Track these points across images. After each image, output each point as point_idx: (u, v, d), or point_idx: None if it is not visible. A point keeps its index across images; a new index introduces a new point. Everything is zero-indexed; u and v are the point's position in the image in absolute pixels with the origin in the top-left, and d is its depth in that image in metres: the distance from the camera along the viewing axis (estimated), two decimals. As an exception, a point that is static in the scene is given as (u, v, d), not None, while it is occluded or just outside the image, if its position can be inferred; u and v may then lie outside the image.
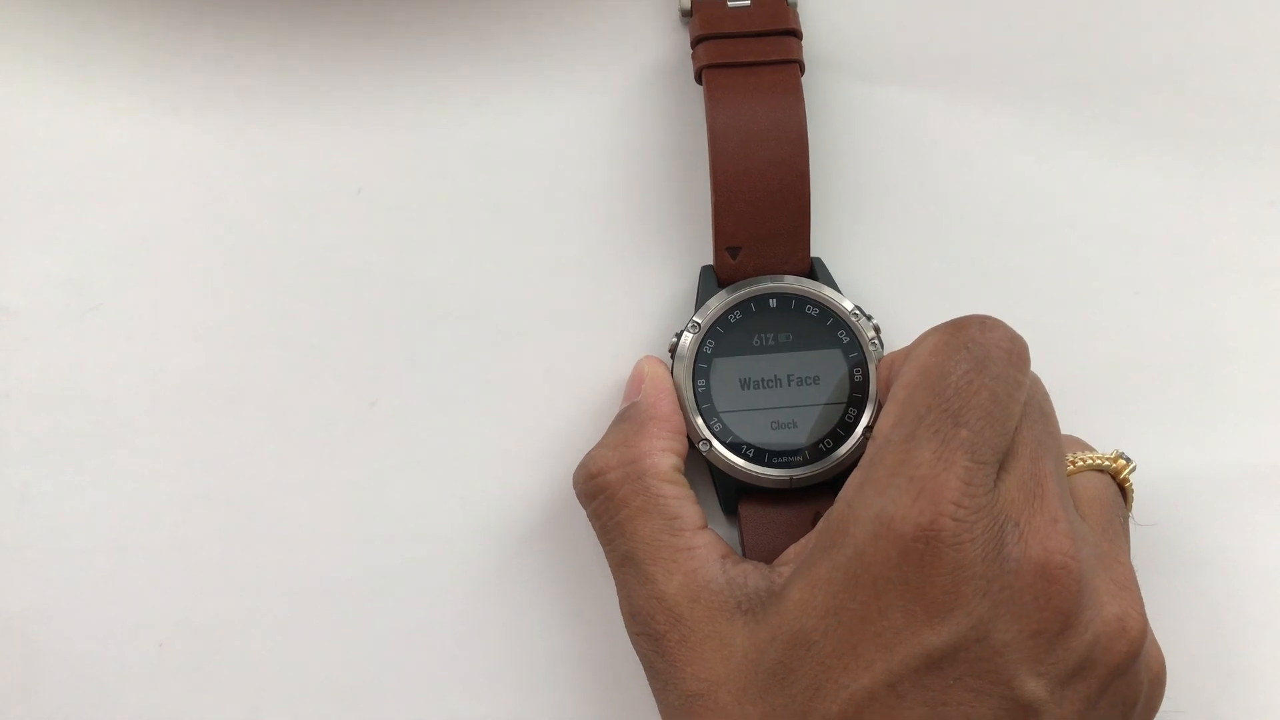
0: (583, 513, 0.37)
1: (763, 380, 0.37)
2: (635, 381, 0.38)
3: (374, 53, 0.42)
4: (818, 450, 0.37)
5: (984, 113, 0.42)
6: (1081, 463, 0.36)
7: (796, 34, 0.39)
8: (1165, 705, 0.34)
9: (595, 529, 0.36)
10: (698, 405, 0.37)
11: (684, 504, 0.35)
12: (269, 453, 0.40)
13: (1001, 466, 0.32)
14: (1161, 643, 0.34)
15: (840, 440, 0.37)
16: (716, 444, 0.37)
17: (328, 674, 0.39)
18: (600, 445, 0.37)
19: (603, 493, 0.36)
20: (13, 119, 0.41)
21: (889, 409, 0.33)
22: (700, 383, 0.37)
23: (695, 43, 0.39)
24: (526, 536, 0.40)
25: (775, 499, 0.37)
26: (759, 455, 0.37)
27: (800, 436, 0.37)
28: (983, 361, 0.32)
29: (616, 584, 0.35)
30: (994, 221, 0.41)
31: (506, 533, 0.40)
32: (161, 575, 0.40)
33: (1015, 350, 0.33)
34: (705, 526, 0.35)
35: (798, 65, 0.39)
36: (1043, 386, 0.35)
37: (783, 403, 0.37)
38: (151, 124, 0.41)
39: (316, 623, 0.40)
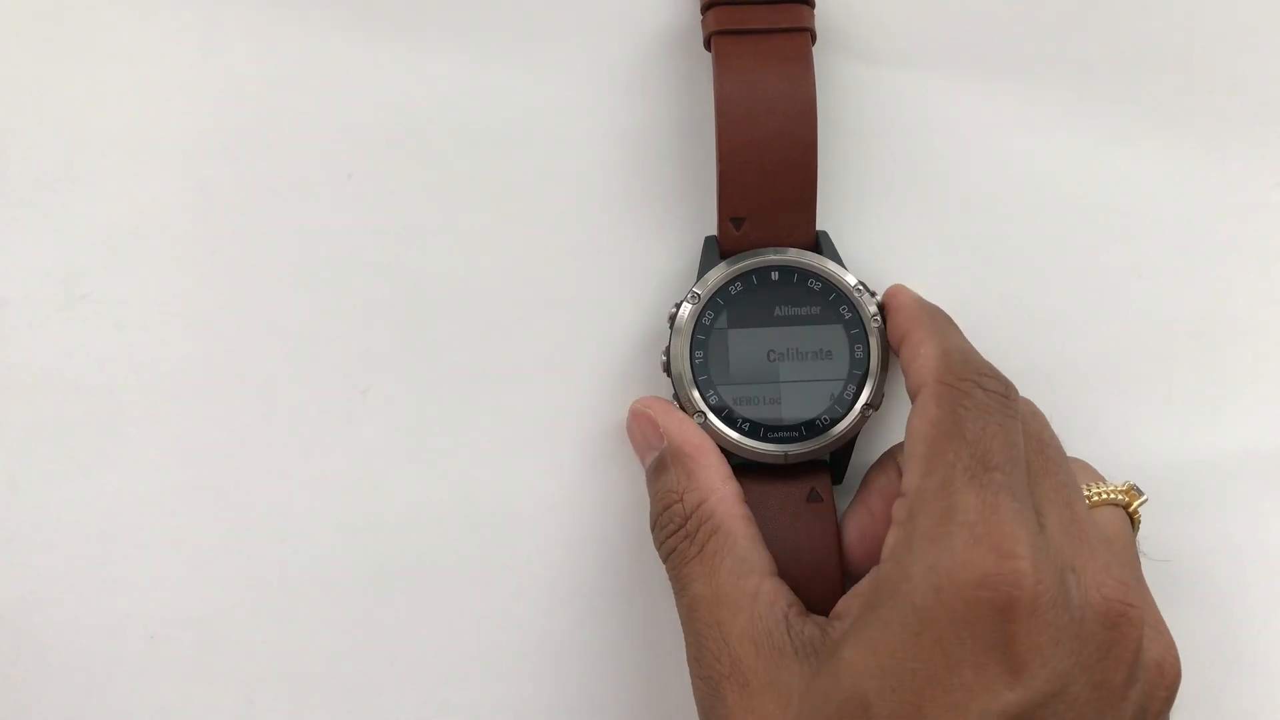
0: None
1: (762, 353, 0.37)
2: (646, 428, 0.37)
3: (361, 33, 0.41)
4: (814, 426, 0.37)
5: (989, 93, 0.41)
6: (1097, 497, 0.35)
7: (809, 1, 0.38)
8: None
9: (671, 577, 0.35)
10: (694, 377, 0.37)
11: (754, 546, 0.35)
12: (261, 441, 0.40)
13: (1038, 511, 0.31)
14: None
15: (838, 417, 0.37)
16: (712, 417, 0.37)
17: (321, 663, 0.39)
18: (663, 502, 0.36)
19: (684, 541, 0.35)
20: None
21: (912, 464, 0.32)
22: (698, 354, 0.37)
23: (705, 8, 0.39)
24: (521, 525, 0.40)
25: (770, 474, 0.37)
26: (755, 429, 0.37)
27: (797, 412, 0.37)
28: (988, 406, 0.32)
29: (685, 629, 0.35)
30: (998, 202, 0.41)
31: (500, 521, 0.40)
32: (152, 565, 0.39)
33: (1009, 392, 0.33)
34: (774, 574, 0.35)
35: (809, 34, 0.38)
36: (1043, 417, 0.35)
37: (781, 377, 0.37)
38: (139, 111, 0.40)
39: (308, 612, 0.39)
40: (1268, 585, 0.40)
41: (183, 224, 0.40)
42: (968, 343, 0.35)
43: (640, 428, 0.37)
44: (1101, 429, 0.40)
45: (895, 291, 0.37)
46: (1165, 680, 0.32)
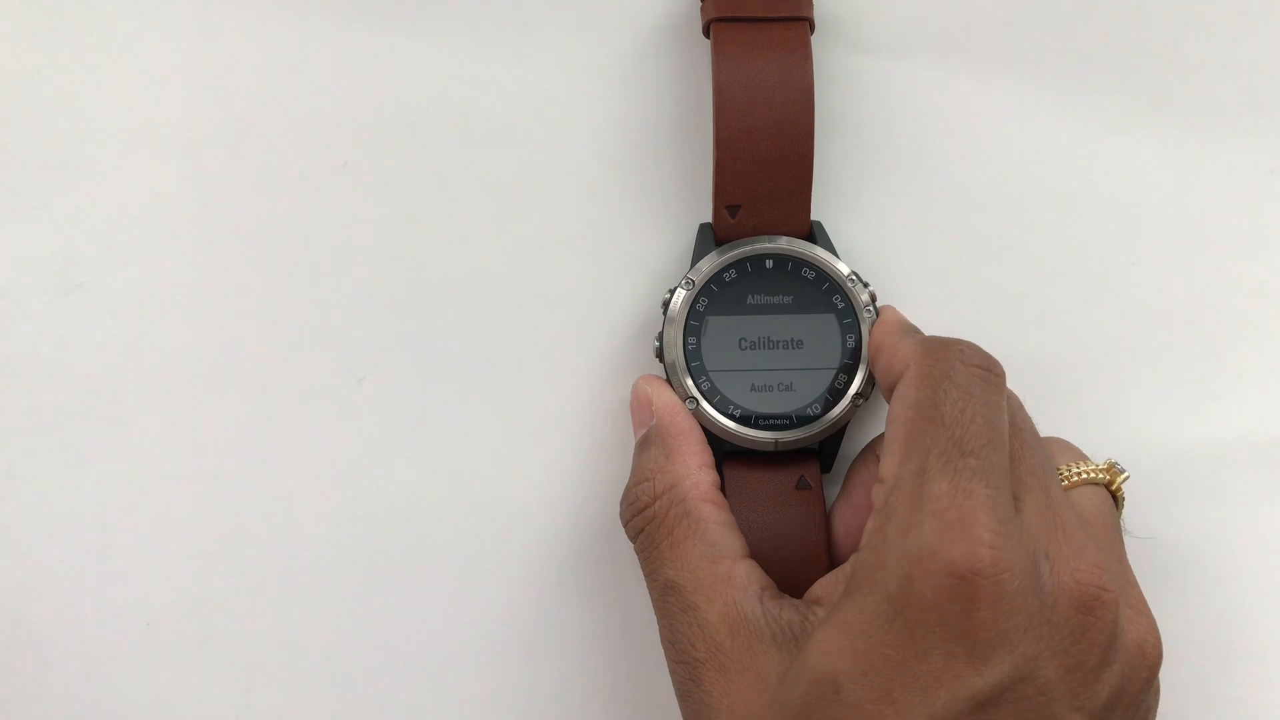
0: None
1: (754, 341, 0.37)
2: (641, 406, 0.37)
3: (358, 22, 0.41)
4: (805, 415, 0.37)
5: (985, 83, 0.41)
6: (1077, 476, 0.35)
7: (808, -11, 0.38)
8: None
9: (641, 560, 0.36)
10: (687, 363, 0.37)
11: (726, 530, 0.35)
12: (257, 430, 0.40)
13: (1015, 496, 0.31)
14: (1157, 617, 0.34)
15: (829, 406, 0.37)
16: (703, 403, 0.37)
17: (318, 652, 0.40)
18: (637, 477, 0.36)
19: (651, 522, 0.35)
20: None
21: (890, 450, 0.32)
22: (691, 340, 0.37)
23: (705, -5, 0.39)
24: (517, 513, 0.40)
25: (760, 461, 0.37)
26: (745, 417, 0.37)
27: (789, 400, 0.37)
28: (969, 388, 0.32)
29: (658, 614, 0.35)
30: (993, 192, 0.41)
31: (496, 510, 0.40)
32: (149, 554, 0.40)
33: (994, 372, 0.33)
34: (746, 557, 0.35)
35: (808, 23, 0.38)
36: (1017, 399, 0.34)
37: (773, 365, 0.37)
38: (136, 100, 0.40)
39: (305, 600, 0.40)
40: (1260, 572, 0.40)
41: (179, 213, 0.40)
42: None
43: (637, 404, 0.38)
44: (1095, 416, 0.40)
45: (881, 309, 0.37)
46: (1146, 661, 0.32)
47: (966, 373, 0.32)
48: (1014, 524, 0.30)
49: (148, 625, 0.39)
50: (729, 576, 0.34)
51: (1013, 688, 0.29)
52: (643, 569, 0.36)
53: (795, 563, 0.36)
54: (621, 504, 0.37)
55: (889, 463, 0.32)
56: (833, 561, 0.37)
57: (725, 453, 0.37)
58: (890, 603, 0.30)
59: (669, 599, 0.34)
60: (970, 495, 0.30)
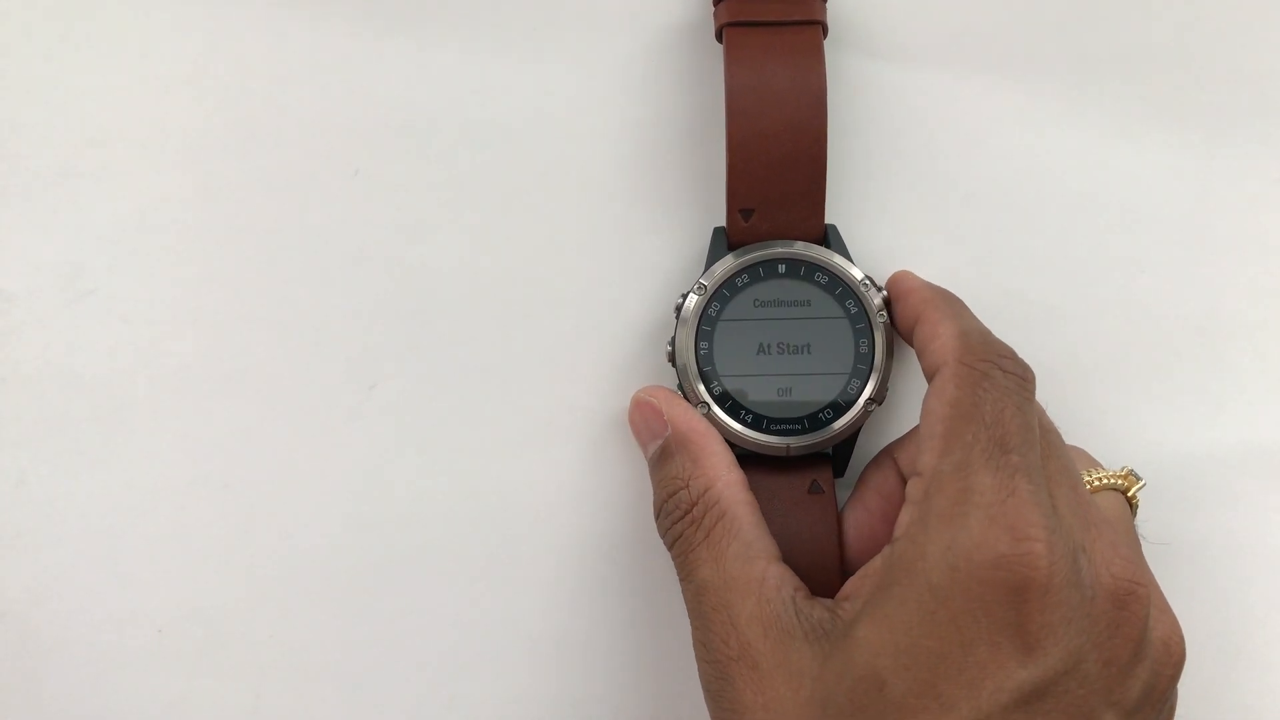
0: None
1: (767, 346, 0.37)
2: (650, 418, 0.37)
3: (368, 27, 0.41)
4: (817, 420, 0.37)
5: (995, 89, 0.41)
6: (1097, 482, 0.36)
7: (821, -5, 0.38)
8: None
9: (677, 563, 0.36)
10: (699, 368, 0.37)
11: (760, 531, 0.35)
12: (267, 436, 0.40)
13: (1049, 493, 0.32)
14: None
15: (841, 411, 0.37)
16: (715, 408, 0.37)
17: (327, 658, 0.40)
18: (668, 488, 0.36)
19: (690, 526, 0.35)
20: (5, 102, 0.40)
21: (929, 444, 0.32)
22: (703, 345, 0.37)
23: (717, 0, 0.39)
24: (527, 518, 0.40)
25: (772, 466, 0.37)
26: (758, 421, 0.37)
27: (801, 405, 0.37)
28: (1006, 389, 0.32)
29: (691, 615, 0.35)
30: (1004, 197, 0.41)
31: (506, 514, 0.40)
32: (160, 560, 0.40)
33: (1026, 376, 0.33)
34: (779, 560, 0.35)
35: (821, 27, 0.38)
36: (1039, 404, 0.34)
37: (785, 370, 0.37)
38: (145, 106, 0.40)
39: (315, 606, 0.40)
40: (1268, 580, 0.40)
41: (189, 219, 0.40)
42: (982, 324, 0.35)
43: (643, 416, 0.38)
44: (1104, 422, 0.41)
45: (902, 276, 0.37)
46: (1172, 659, 0.32)
47: (1004, 377, 0.32)
48: (1055, 519, 0.30)
49: (159, 631, 0.39)
50: (763, 577, 0.34)
51: (1058, 681, 0.29)
52: (678, 571, 0.36)
53: (808, 567, 0.36)
54: (658, 518, 0.36)
55: (927, 456, 0.32)
56: (844, 565, 0.37)
57: (737, 457, 0.37)
58: (933, 593, 0.30)
59: (703, 599, 0.34)
60: (1015, 491, 0.30)
